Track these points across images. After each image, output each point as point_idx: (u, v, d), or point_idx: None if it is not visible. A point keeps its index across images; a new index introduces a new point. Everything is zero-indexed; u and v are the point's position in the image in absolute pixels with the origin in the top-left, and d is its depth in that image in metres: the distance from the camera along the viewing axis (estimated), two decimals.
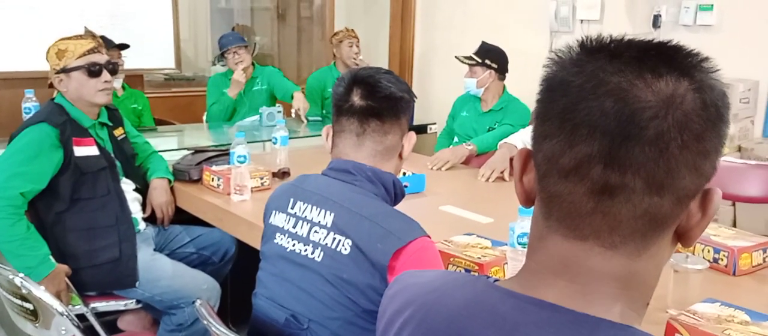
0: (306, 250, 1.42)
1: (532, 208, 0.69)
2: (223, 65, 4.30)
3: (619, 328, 0.60)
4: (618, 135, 0.57)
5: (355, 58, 4.30)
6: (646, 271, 0.63)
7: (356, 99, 1.46)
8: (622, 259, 0.62)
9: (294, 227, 1.46)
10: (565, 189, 0.61)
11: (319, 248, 1.40)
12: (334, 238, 1.39)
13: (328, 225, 1.40)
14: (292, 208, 1.49)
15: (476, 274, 1.57)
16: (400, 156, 1.55)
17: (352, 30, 4.40)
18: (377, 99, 1.45)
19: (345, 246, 1.37)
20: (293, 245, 1.45)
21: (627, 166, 0.58)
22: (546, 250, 0.65)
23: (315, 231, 1.42)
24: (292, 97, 4.06)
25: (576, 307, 0.61)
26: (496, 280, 0.71)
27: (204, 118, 4.26)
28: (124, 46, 3.66)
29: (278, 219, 1.51)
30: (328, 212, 1.42)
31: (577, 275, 0.62)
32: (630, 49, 0.60)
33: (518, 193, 0.70)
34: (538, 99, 0.65)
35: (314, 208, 1.44)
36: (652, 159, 0.57)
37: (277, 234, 1.50)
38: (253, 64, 4.14)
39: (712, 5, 3.58)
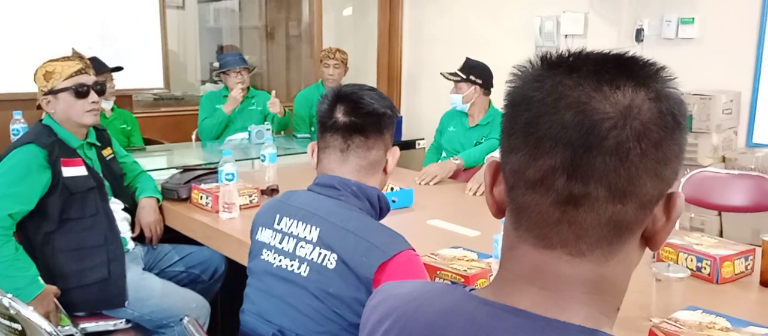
0: (292, 266, 1.44)
1: None
2: (216, 83, 4.35)
3: (588, 332, 0.62)
4: (579, 146, 0.59)
5: (330, 78, 4.37)
6: (615, 276, 0.65)
7: (340, 115, 1.48)
8: (591, 265, 0.63)
9: (280, 243, 1.48)
10: (532, 200, 0.63)
11: (305, 263, 1.42)
12: (320, 253, 1.40)
13: (314, 240, 1.42)
14: (278, 223, 1.50)
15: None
16: (385, 171, 1.57)
17: (335, 51, 4.44)
18: (360, 115, 1.48)
19: (331, 260, 1.38)
20: (279, 261, 1.46)
21: (589, 176, 0.60)
22: (517, 259, 0.67)
23: (301, 246, 1.43)
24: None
25: (548, 313, 0.63)
26: (472, 290, 0.72)
27: (193, 136, 4.29)
28: (118, 69, 3.67)
29: (265, 235, 1.52)
30: (313, 227, 1.43)
31: (548, 282, 0.64)
32: (588, 62, 0.62)
33: (489, 205, 0.71)
34: (503, 113, 0.67)
35: (300, 223, 1.46)
36: (613, 168, 0.59)
37: (264, 250, 1.51)
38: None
39: (693, 18, 3.64)
